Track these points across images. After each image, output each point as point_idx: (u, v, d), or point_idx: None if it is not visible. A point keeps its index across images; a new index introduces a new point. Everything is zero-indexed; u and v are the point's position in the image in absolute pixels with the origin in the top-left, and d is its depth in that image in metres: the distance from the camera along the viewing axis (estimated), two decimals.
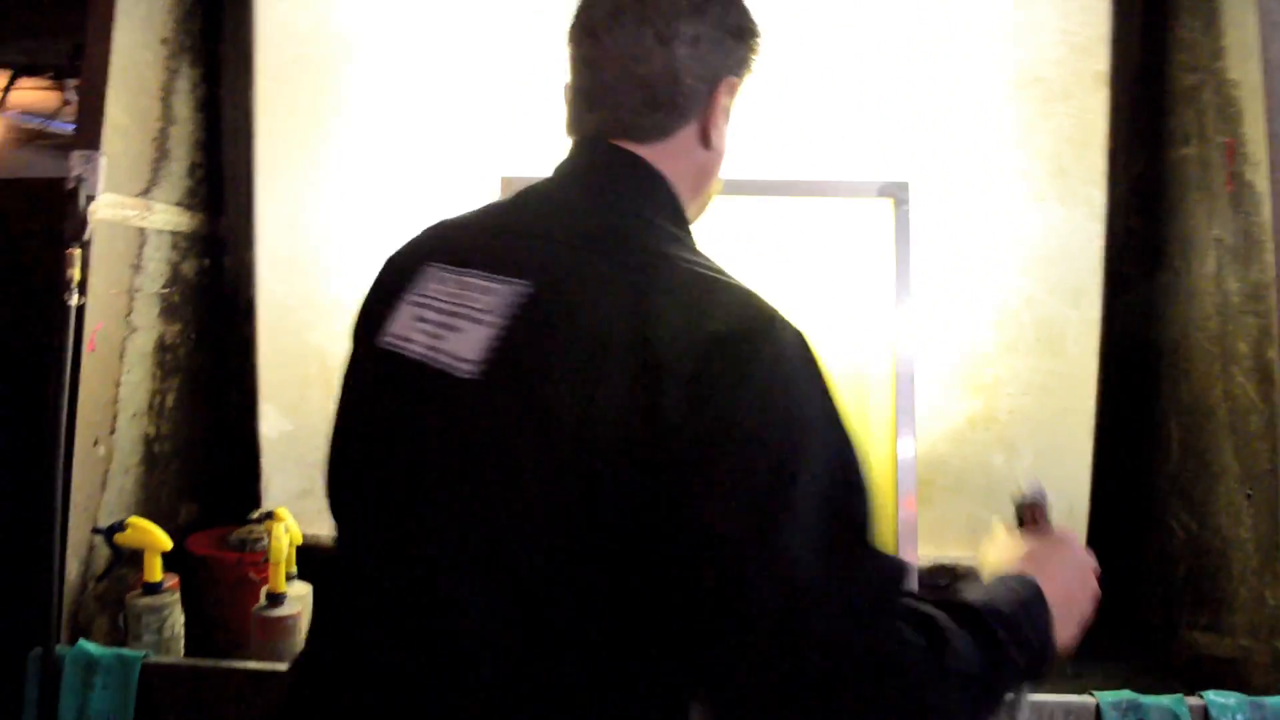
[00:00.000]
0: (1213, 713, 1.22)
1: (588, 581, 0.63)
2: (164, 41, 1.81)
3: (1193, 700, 1.26)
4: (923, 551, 1.78)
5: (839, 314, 1.68)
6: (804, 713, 0.57)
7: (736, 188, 1.69)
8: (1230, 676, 1.49)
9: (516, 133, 1.87)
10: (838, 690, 0.57)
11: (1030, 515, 1.00)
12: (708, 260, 0.76)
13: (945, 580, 1.82)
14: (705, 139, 0.85)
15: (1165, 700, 1.23)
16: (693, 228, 0.87)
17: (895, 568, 0.65)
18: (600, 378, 0.64)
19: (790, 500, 0.60)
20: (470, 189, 1.85)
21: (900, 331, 1.64)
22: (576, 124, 0.87)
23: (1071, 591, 0.79)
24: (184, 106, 1.89)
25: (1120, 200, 1.80)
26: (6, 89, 2.06)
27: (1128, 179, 1.80)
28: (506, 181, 1.74)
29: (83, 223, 1.48)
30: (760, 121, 1.82)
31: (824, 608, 0.58)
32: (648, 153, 0.83)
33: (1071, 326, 1.82)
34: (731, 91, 0.86)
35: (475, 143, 1.90)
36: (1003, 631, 0.67)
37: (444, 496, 0.69)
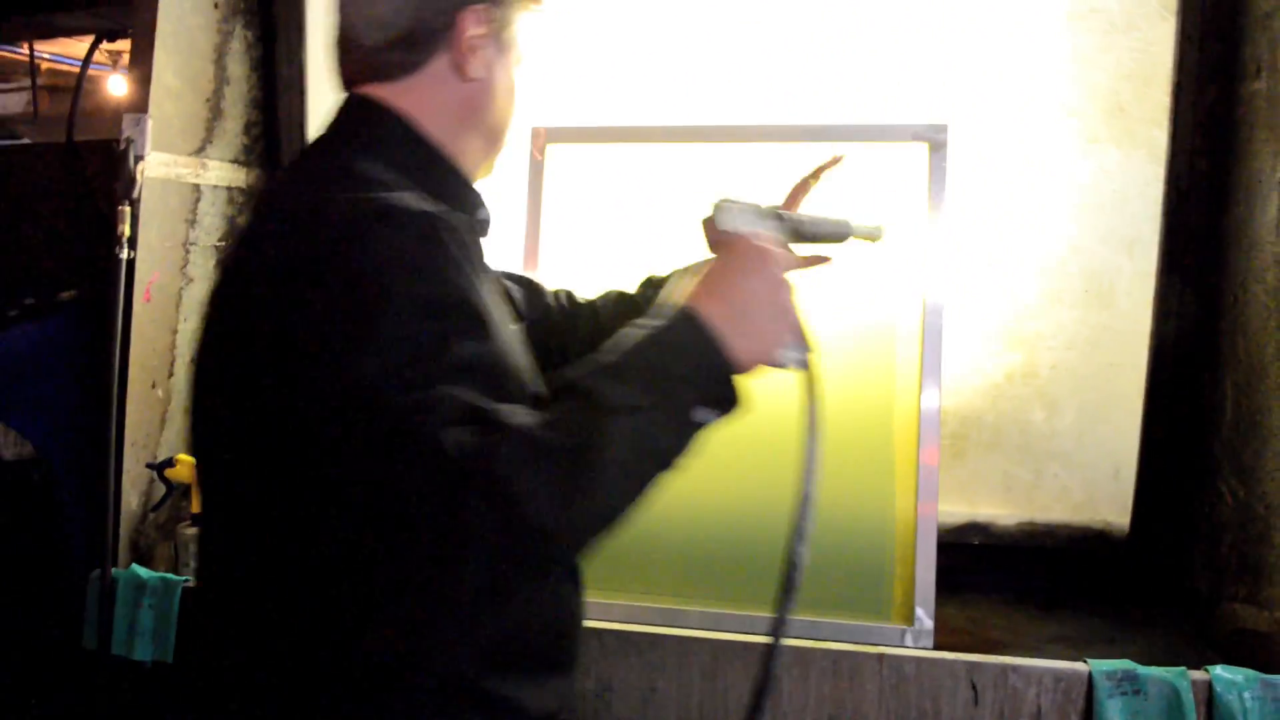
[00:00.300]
0: (1217, 688, 1.16)
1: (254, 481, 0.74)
2: (216, 6, 1.88)
3: (1198, 675, 1.20)
4: (954, 508, 1.76)
5: (867, 264, 1.62)
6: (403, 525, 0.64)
7: (758, 134, 1.67)
8: (1265, 651, 1.41)
9: (546, 84, 1.87)
10: (426, 502, 0.63)
11: (716, 239, 0.96)
12: (383, 188, 0.77)
13: (978, 539, 1.78)
14: (460, 70, 0.86)
15: (1165, 673, 1.17)
16: (498, 157, 0.94)
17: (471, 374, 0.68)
18: (228, 315, 0.77)
19: (373, 334, 0.67)
20: (515, 153, 1.87)
21: (931, 281, 1.57)
22: (335, 75, 0.91)
23: (750, 303, 0.79)
24: (238, 66, 1.98)
25: (1184, 141, 1.65)
26: (90, 52, 2.18)
27: (1194, 117, 1.65)
28: (536, 132, 1.76)
29: (131, 181, 1.58)
30: (785, 64, 1.76)
31: (402, 427, 0.64)
32: (389, 91, 0.86)
33: (1123, 278, 1.70)
34: (482, 21, 0.86)
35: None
36: (614, 386, 0.70)
37: (192, 420, 0.84)
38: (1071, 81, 1.68)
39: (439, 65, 0.86)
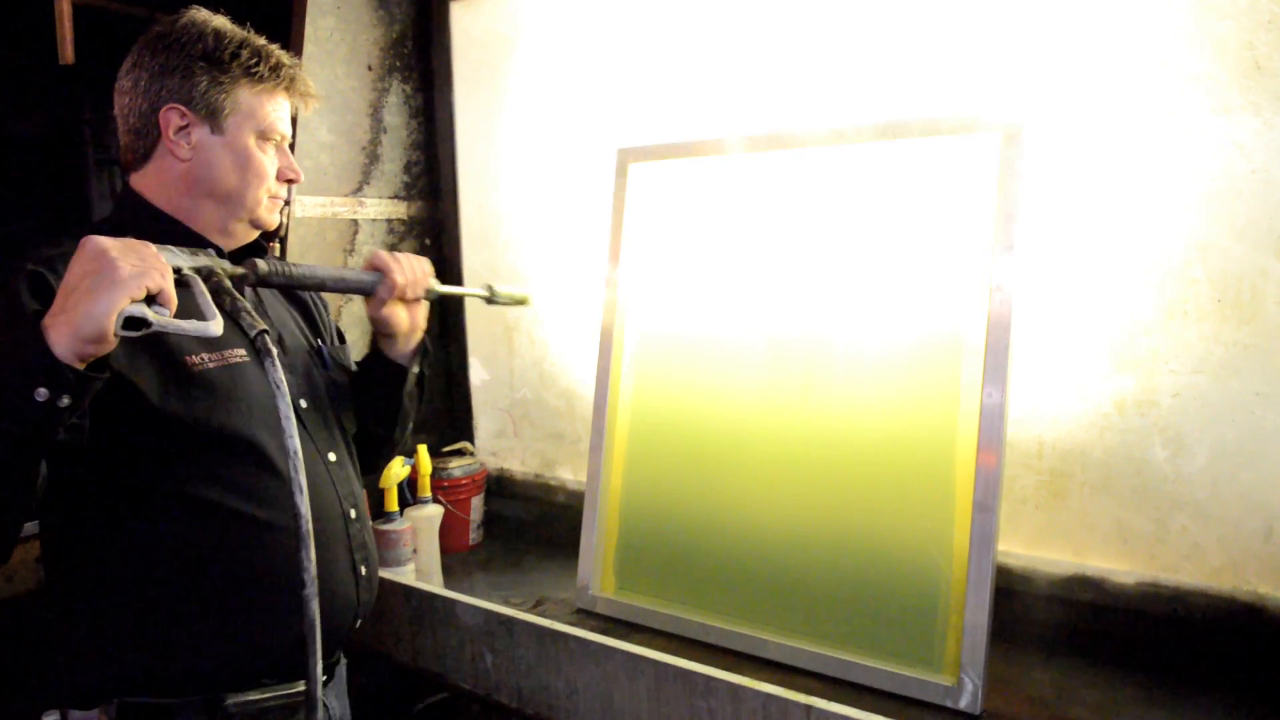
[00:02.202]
0: None
1: None
2: (369, 68, 2.18)
3: None
4: (1059, 556, 1.54)
5: (928, 271, 1.46)
6: None
7: (829, 137, 1.59)
8: None
9: (630, 109, 1.93)
10: None
11: None
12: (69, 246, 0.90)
13: (1088, 595, 1.49)
14: (174, 154, 1.09)
15: None
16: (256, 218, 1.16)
17: None
18: None
19: None
20: (596, 159, 1.98)
21: (998, 288, 1.37)
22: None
23: (68, 285, 0.84)
24: (394, 116, 2.27)
25: None
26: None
27: None
28: (622, 151, 1.84)
29: (279, 225, 1.88)
30: (859, 55, 1.64)
31: None
32: (136, 177, 1.12)
33: (1271, 283, 1.33)
34: (183, 115, 1.07)
35: (597, 119, 2.02)
36: None
37: None
38: (1191, 38, 1.35)
39: (160, 152, 1.10)
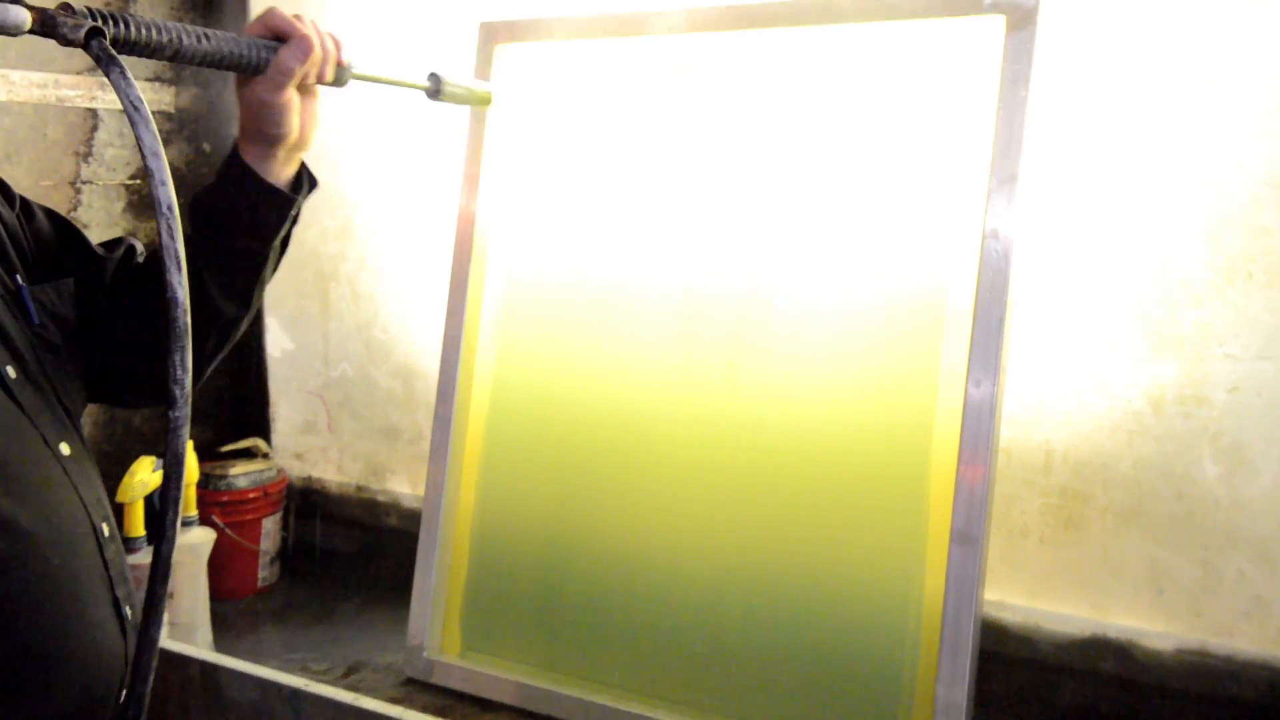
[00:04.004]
0: None
1: None
2: None
3: None
4: (1072, 611, 1.57)
5: (900, 209, 1.43)
6: None
7: (766, 16, 1.55)
8: None
9: None
10: None
11: None
12: None
13: (1109, 664, 1.49)
14: None
15: None
16: None
17: None
18: None
19: None
20: (450, 38, 1.91)
21: (993, 234, 1.35)
22: None
23: None
24: None
25: None
26: None
27: None
28: (486, 26, 1.76)
29: None
30: None
31: None
32: None
33: None
34: None
35: None
36: None
37: None
38: None
39: None
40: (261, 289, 1.27)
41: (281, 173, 1.19)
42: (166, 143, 2.13)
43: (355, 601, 2.02)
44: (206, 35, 1.03)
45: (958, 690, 1.30)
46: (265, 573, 2.09)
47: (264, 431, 2.26)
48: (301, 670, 1.68)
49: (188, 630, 1.81)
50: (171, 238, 0.85)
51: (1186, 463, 1.44)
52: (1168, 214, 1.42)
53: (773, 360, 1.48)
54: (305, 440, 2.24)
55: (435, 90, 1.34)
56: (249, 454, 2.16)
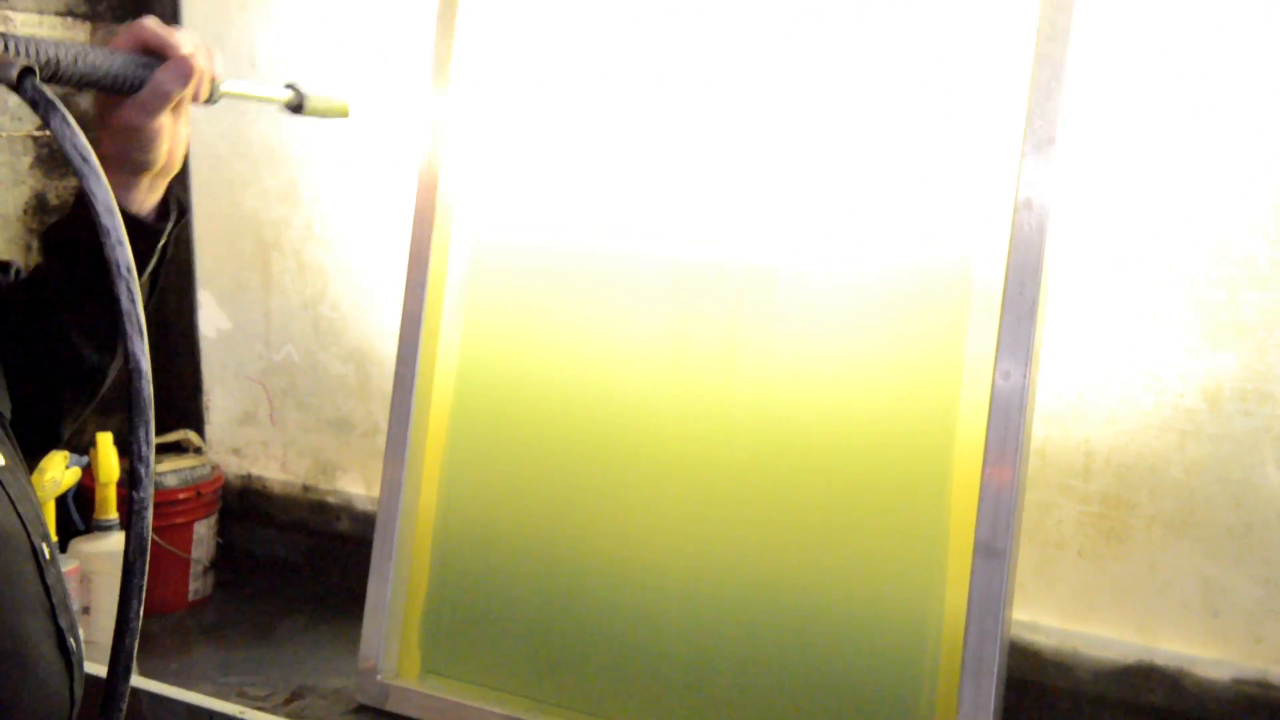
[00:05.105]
0: None
1: None
2: None
3: None
4: (1115, 634, 1.58)
5: (921, 172, 1.47)
6: None
7: None
8: None
9: None
10: None
11: None
12: None
13: (1159, 697, 1.52)
14: None
15: None
16: None
17: None
18: None
19: None
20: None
21: (1026, 204, 1.38)
22: None
23: None
24: None
25: None
26: None
27: None
28: None
29: None
30: None
31: None
32: None
33: None
34: None
35: None
36: None
37: None
38: None
39: None
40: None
41: (146, 201, 1.19)
42: (77, 90, 2.17)
43: (300, 617, 2.04)
44: (85, 53, 1.02)
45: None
46: (197, 584, 2.11)
47: (196, 423, 2.27)
48: (238, 696, 1.71)
49: (107, 650, 1.83)
50: (131, 301, 0.84)
51: (1246, 467, 1.46)
52: (1227, 183, 1.44)
53: (774, 343, 1.51)
54: (244, 433, 2.26)
55: (296, 104, 1.29)
56: (179, 448, 2.17)
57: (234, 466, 2.28)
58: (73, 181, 2.18)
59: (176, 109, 1.13)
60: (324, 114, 1.33)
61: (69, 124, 0.84)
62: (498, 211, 1.72)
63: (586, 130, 1.67)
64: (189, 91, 1.10)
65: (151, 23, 1.09)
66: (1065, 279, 1.49)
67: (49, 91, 0.87)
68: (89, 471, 1.90)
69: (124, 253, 0.85)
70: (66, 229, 1.22)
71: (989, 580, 1.35)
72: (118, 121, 1.11)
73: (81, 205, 1.21)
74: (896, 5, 1.48)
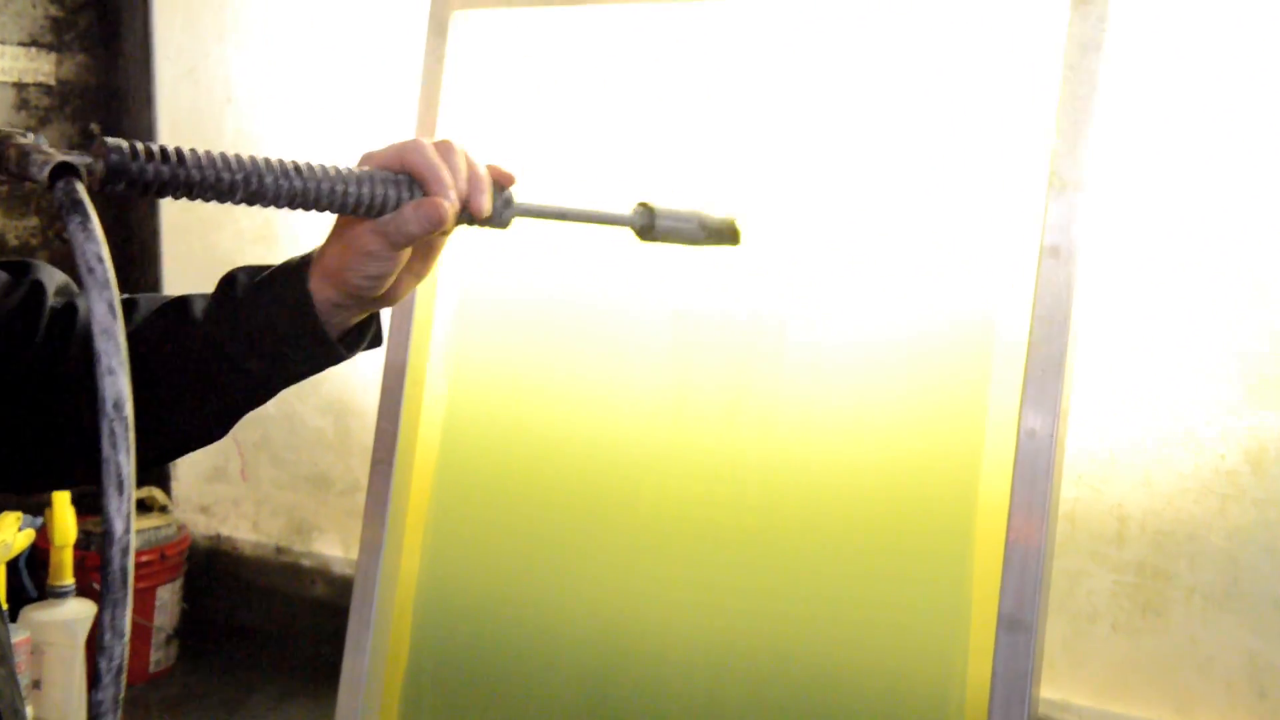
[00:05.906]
0: None
1: None
2: None
3: None
4: (1154, 715, 1.60)
5: (939, 219, 1.49)
6: None
7: None
8: None
9: None
10: None
11: None
12: None
13: None
14: None
15: None
16: None
17: None
18: None
19: None
20: (406, 24, 1.98)
21: (1052, 250, 1.39)
22: None
23: None
24: None
25: None
26: None
27: None
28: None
29: None
30: None
31: None
32: None
33: None
34: None
35: None
36: None
37: None
38: None
39: None
40: (237, 418, 1.14)
41: (347, 322, 1.08)
42: (44, 121, 2.22)
43: (271, 690, 2.05)
44: (297, 170, 0.90)
45: None
46: (159, 654, 2.12)
47: (161, 479, 2.29)
48: None
49: None
50: (114, 448, 0.70)
51: None
52: (1269, 226, 1.47)
53: (781, 399, 1.52)
54: (213, 490, 2.28)
55: (648, 226, 1.11)
56: (142, 507, 2.18)
57: (201, 526, 2.28)
58: (32, 221, 2.24)
59: (423, 248, 1.06)
60: (716, 241, 1.17)
61: (88, 229, 0.61)
62: (486, 259, 1.75)
63: (576, 170, 1.70)
64: (432, 234, 1.00)
65: (424, 148, 1.01)
66: (1094, 329, 1.51)
67: (79, 193, 0.70)
68: (43, 533, 1.91)
69: (114, 384, 0.69)
70: (248, 292, 1.08)
71: (1014, 656, 1.34)
72: (352, 235, 1.02)
73: (273, 286, 1.07)
74: (917, 46, 1.51)
